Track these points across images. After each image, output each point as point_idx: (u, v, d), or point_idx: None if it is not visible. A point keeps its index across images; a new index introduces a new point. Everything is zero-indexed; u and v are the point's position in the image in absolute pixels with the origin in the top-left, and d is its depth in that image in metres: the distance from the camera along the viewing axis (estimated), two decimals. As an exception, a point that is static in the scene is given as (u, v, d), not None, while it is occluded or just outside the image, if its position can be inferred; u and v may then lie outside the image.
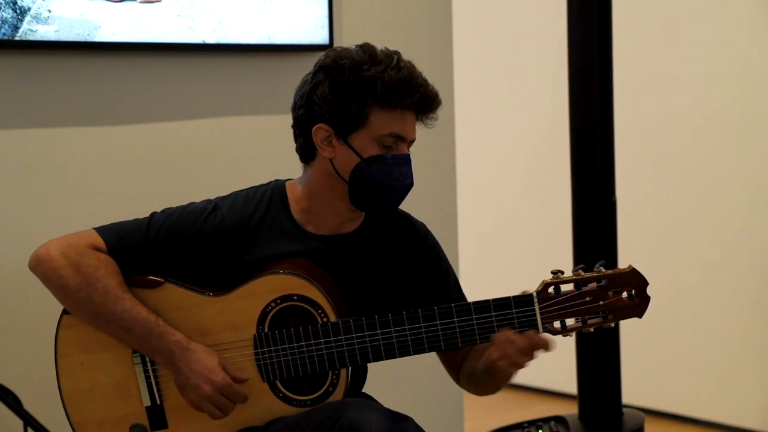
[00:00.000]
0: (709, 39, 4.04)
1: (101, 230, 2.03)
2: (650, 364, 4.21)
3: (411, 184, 2.02)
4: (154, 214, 2.05)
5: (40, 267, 1.99)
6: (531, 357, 1.94)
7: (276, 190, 2.07)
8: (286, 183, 2.09)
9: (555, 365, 4.31)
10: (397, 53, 2.00)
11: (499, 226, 4.79)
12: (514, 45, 4.68)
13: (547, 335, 1.94)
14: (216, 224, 2.02)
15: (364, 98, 1.95)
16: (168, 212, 2.05)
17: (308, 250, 2.03)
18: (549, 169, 4.48)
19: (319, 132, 2.00)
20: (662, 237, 4.20)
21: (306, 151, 2.04)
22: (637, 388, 4.04)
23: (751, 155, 3.98)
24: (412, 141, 2.02)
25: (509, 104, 4.72)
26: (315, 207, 2.05)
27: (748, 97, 3.97)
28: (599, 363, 3.33)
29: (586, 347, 3.35)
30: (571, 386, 3.53)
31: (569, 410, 3.54)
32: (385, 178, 1.98)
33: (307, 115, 2.01)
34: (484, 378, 2.03)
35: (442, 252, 2.15)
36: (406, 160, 2.00)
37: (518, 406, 4.44)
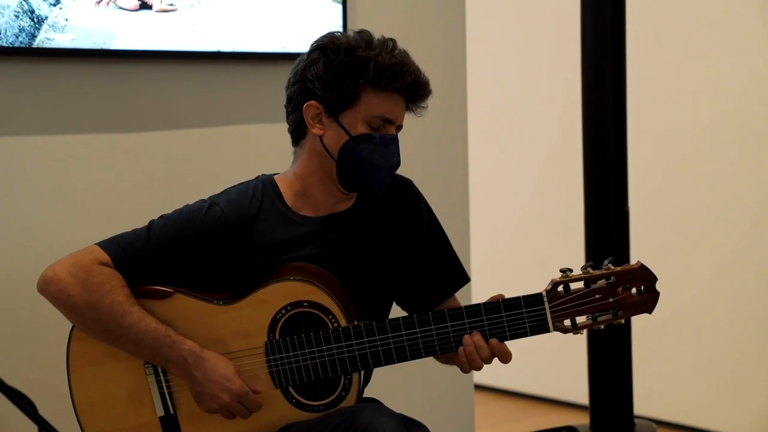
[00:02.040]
0: (721, 46, 4.04)
1: (104, 245, 2.03)
2: (662, 374, 4.20)
3: (398, 164, 2.05)
4: (152, 221, 2.06)
5: (48, 288, 2.00)
6: (489, 362, 2.00)
7: (266, 182, 2.11)
8: (274, 176, 2.13)
9: (567, 375, 4.31)
10: (392, 40, 2.04)
11: (511, 233, 4.79)
12: (528, 51, 4.69)
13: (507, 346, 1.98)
14: (216, 219, 2.03)
15: (356, 78, 1.99)
16: (166, 217, 2.07)
17: (307, 233, 2.05)
18: (561, 176, 4.48)
19: (310, 109, 2.03)
20: (673, 246, 4.19)
21: (297, 129, 2.08)
22: (648, 398, 4.04)
23: (762, 163, 3.97)
24: (400, 127, 2.06)
25: (522, 110, 4.72)
26: (309, 188, 2.07)
27: (759, 104, 3.96)
28: (611, 373, 3.32)
29: (598, 357, 3.34)
30: (582, 396, 3.53)
31: (581, 420, 3.54)
32: (373, 157, 2.01)
33: (299, 92, 2.05)
34: (441, 360, 2.11)
35: (426, 205, 2.17)
36: (394, 140, 2.03)
37: (530, 416, 4.43)
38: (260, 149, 2.97)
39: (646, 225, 4.07)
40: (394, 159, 2.03)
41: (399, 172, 2.10)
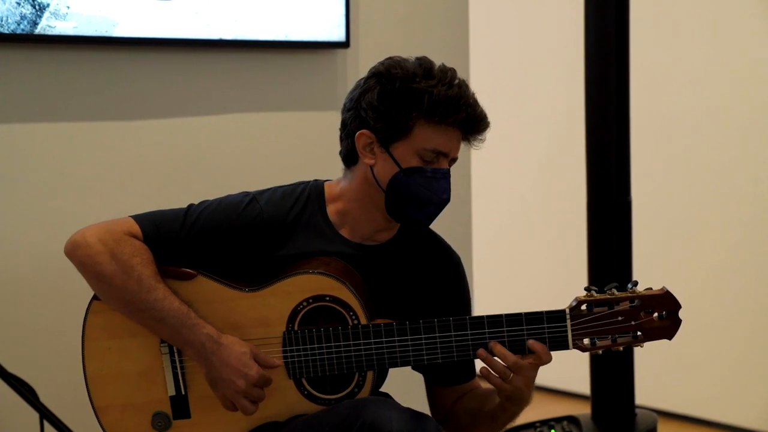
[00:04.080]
0: (724, 40, 4.03)
1: (138, 218, 2.03)
2: (664, 364, 4.20)
3: (447, 200, 2.02)
4: (191, 205, 2.06)
5: (76, 252, 1.99)
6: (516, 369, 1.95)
7: (314, 190, 2.08)
8: (325, 183, 2.10)
9: (568, 365, 4.30)
10: (452, 70, 2.00)
11: (514, 226, 4.78)
12: (531, 45, 4.68)
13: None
14: (253, 217, 2.03)
15: (410, 110, 1.96)
16: (205, 204, 2.06)
17: (338, 253, 2.04)
18: (564, 168, 4.48)
19: (362, 138, 2.01)
20: (675, 238, 4.19)
21: (349, 154, 2.05)
22: (650, 388, 4.03)
23: (766, 156, 3.96)
24: (454, 159, 2.03)
25: (525, 104, 4.71)
26: (352, 211, 2.05)
27: (763, 95, 3.95)
28: (613, 363, 3.32)
29: (599, 347, 3.34)
30: (584, 386, 3.53)
31: (582, 410, 3.54)
32: (422, 191, 1.98)
33: (353, 119, 2.02)
34: (499, 411, 2.05)
35: (468, 288, 2.16)
36: (446, 174, 2.00)
37: (531, 406, 4.41)
38: (262, 138, 2.96)
39: (648, 216, 4.06)
40: (444, 195, 2.00)
41: None
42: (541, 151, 4.67)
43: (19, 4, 2.50)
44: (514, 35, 4.75)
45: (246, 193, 2.08)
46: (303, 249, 2.03)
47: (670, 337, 1.98)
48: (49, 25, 2.54)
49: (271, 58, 2.95)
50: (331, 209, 2.06)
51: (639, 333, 1.95)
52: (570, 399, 4.47)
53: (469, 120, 1.98)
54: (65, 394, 2.13)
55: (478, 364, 2.01)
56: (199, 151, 2.86)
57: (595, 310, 1.95)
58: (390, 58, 2.03)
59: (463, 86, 1.99)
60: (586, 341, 1.96)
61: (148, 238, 2.01)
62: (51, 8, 2.54)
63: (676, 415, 4.18)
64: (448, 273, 2.13)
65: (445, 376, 2.13)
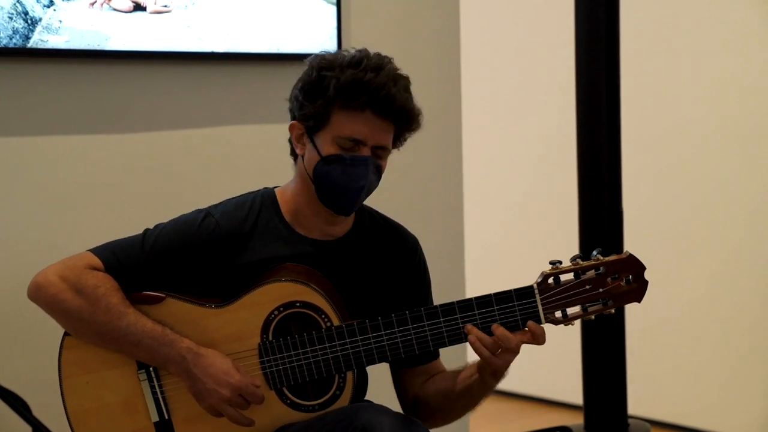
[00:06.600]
0: (715, 49, 4.05)
1: (97, 250, 2.04)
2: (656, 374, 4.20)
3: (364, 187, 2.01)
4: (147, 229, 2.07)
5: (40, 294, 2.00)
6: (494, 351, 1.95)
7: (267, 196, 2.10)
8: (275, 189, 2.12)
9: (561, 375, 4.31)
10: (381, 59, 1.99)
11: (506, 234, 4.79)
12: (522, 53, 4.70)
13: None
14: (210, 231, 2.03)
15: (322, 98, 1.98)
16: (161, 226, 2.07)
17: (300, 254, 2.05)
18: (556, 178, 4.49)
19: (294, 129, 2.05)
20: (668, 247, 4.20)
21: (292, 148, 2.09)
22: (642, 398, 4.04)
23: (757, 165, 3.98)
24: (382, 147, 2.01)
25: (516, 112, 4.73)
26: (301, 208, 2.07)
27: (754, 106, 3.97)
28: (605, 373, 3.33)
29: (592, 357, 3.35)
30: (577, 396, 3.54)
31: (575, 420, 3.54)
32: (340, 178, 1.99)
33: (289, 111, 2.08)
34: (477, 385, 2.04)
35: (427, 269, 2.17)
36: (364, 161, 1.99)
37: (524, 416, 4.44)
38: (254, 150, 2.97)
39: (640, 226, 4.07)
40: (361, 182, 1.99)
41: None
42: (532, 160, 4.68)
43: (11, 18, 2.50)
44: (506, 45, 4.77)
45: (199, 210, 2.08)
46: (265, 255, 2.03)
47: (639, 300, 1.97)
48: (42, 39, 2.55)
49: (264, 71, 2.96)
50: (285, 210, 2.08)
51: (609, 300, 1.95)
52: (562, 409, 4.48)
53: (377, 102, 1.95)
54: (58, 407, 2.12)
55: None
56: (192, 163, 2.87)
57: (563, 281, 1.95)
58: (326, 51, 2.06)
59: (383, 72, 1.97)
60: (558, 314, 1.96)
61: (109, 268, 2.01)
62: (43, 22, 2.54)
63: (669, 425, 4.19)
64: (406, 256, 2.14)
65: (410, 357, 2.10)
